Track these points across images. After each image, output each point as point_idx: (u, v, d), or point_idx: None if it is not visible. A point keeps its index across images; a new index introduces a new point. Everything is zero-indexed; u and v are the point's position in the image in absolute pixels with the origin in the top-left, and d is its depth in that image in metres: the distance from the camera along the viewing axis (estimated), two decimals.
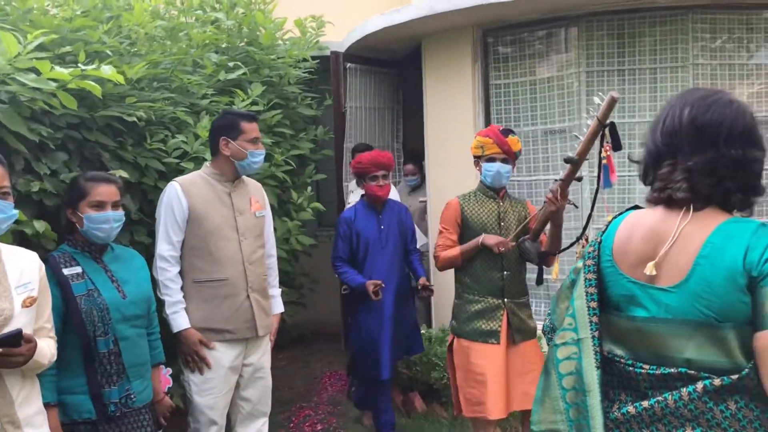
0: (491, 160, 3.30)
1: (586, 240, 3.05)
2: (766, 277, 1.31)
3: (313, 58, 5.33)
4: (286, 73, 4.80)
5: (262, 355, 3.10)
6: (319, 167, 5.48)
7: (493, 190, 3.38)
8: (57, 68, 2.43)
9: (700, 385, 1.38)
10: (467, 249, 3.30)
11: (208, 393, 2.91)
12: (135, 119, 3.09)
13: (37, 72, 2.44)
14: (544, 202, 3.03)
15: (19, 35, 2.51)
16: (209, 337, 2.91)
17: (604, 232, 1.61)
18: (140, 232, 3.30)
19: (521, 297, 3.35)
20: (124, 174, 2.88)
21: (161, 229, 2.91)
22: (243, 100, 4.14)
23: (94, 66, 2.50)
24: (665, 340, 1.44)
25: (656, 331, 1.45)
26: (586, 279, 1.58)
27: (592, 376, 1.51)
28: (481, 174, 3.39)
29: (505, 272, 3.28)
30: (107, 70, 2.45)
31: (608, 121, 2.67)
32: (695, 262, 1.40)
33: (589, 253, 1.61)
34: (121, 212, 2.49)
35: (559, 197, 2.91)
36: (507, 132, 3.35)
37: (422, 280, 3.99)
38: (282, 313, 3.33)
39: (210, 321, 2.92)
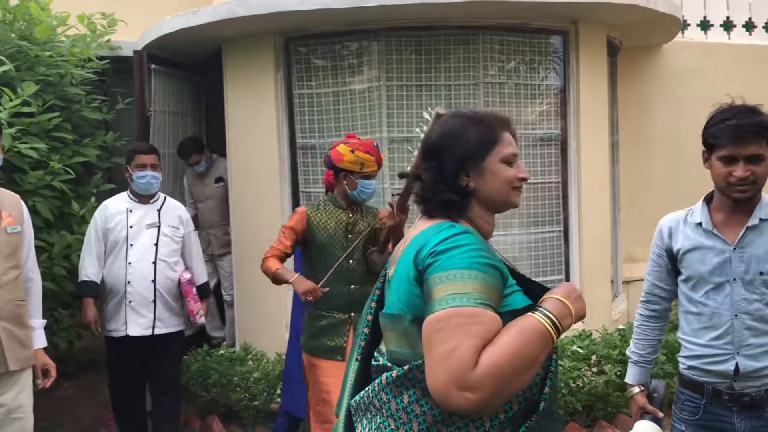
0: (368, 177, 3.23)
1: None
2: (426, 269, 1.39)
3: (105, 57, 4.91)
4: (68, 72, 4.35)
5: (19, 392, 2.66)
6: (110, 176, 5.05)
7: (346, 202, 3.31)
8: None
9: (384, 377, 1.46)
10: (279, 277, 3.21)
11: None
12: None
13: None
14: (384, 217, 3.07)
15: None
16: None
17: None
18: None
19: None
20: None
21: None
22: (11, 100, 3.68)
23: None
24: (385, 334, 1.56)
25: (383, 325, 1.56)
26: (379, 279, 1.72)
27: (351, 366, 1.66)
28: (351, 187, 3.26)
29: (352, 286, 3.21)
30: None
31: None
32: (398, 261, 1.53)
33: (389, 260, 1.72)
34: None
35: (397, 212, 2.94)
36: (378, 148, 3.31)
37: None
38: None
39: None
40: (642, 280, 2.52)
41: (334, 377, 3.08)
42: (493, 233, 1.61)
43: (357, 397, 1.55)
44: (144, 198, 3.82)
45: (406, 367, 1.42)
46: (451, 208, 1.53)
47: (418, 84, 4.58)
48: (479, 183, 1.54)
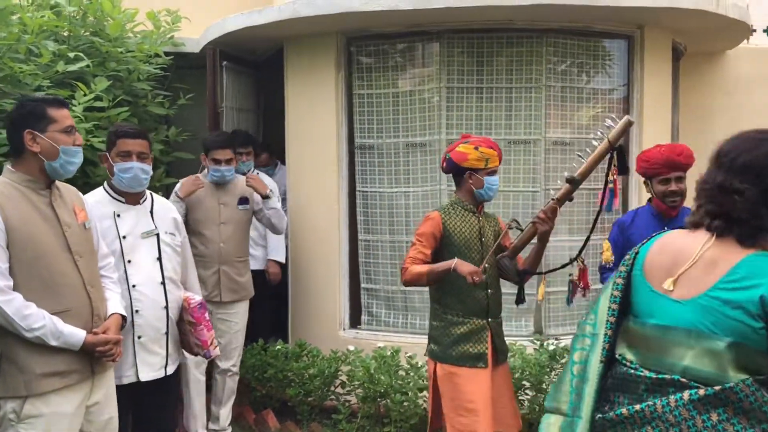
0: (493, 173, 3.15)
1: (581, 262, 3.09)
2: None
3: (168, 54, 5.01)
4: (136, 68, 4.45)
5: (107, 390, 2.59)
6: (171, 170, 5.14)
7: (474, 205, 3.18)
8: None
9: (686, 394, 1.48)
10: (435, 272, 3.00)
11: None
12: None
13: None
14: (533, 221, 3.01)
15: None
16: (52, 383, 2.33)
17: (643, 244, 1.74)
18: None
19: (499, 316, 3.19)
20: None
21: None
22: (85, 95, 3.78)
23: None
24: (669, 347, 1.56)
25: (663, 338, 1.57)
26: (615, 282, 1.71)
27: (595, 368, 1.66)
28: (477, 186, 3.12)
29: (489, 290, 3.10)
30: None
31: (617, 144, 2.78)
32: (715, 285, 1.51)
33: (625, 260, 1.73)
34: None
35: (551, 216, 2.94)
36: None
37: None
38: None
39: (53, 364, 2.34)
40: None
41: (478, 385, 3.00)
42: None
43: (626, 411, 1.55)
44: (131, 197, 2.98)
45: (717, 388, 1.45)
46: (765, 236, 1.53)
47: (478, 86, 4.56)
48: None
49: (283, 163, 5.44)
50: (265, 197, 4.11)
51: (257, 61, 5.66)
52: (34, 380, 2.31)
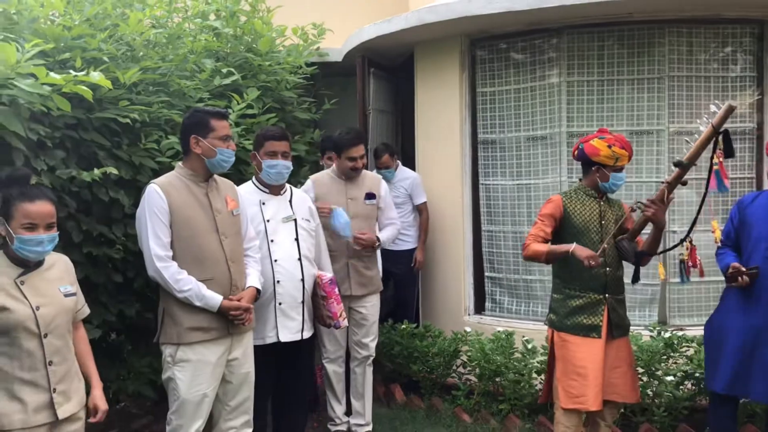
0: (620, 170, 3.38)
1: (690, 242, 3.25)
2: None
3: (313, 63, 5.59)
4: (283, 79, 5.05)
5: (245, 349, 3.16)
6: (317, 168, 5.73)
7: (596, 192, 3.43)
8: (52, 74, 2.70)
9: None
10: (555, 252, 3.29)
11: (197, 390, 2.93)
12: (129, 121, 3.36)
13: (36, 77, 2.71)
14: (645, 205, 3.21)
15: (19, 44, 2.79)
16: (196, 336, 2.93)
17: None
18: (134, 225, 3.57)
19: (620, 293, 3.42)
20: (114, 171, 3.15)
21: (150, 230, 2.90)
22: (238, 104, 4.40)
23: (84, 72, 2.76)
24: None
25: None
26: None
27: None
28: (603, 180, 3.36)
29: (608, 269, 3.36)
30: (96, 76, 2.71)
31: (722, 129, 2.97)
32: None
33: None
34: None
35: (665, 200, 3.13)
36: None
37: None
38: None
39: (197, 320, 2.93)
40: None
41: (589, 353, 3.24)
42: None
43: None
44: (275, 189, 3.57)
45: None
46: None
47: (599, 79, 4.65)
48: None
49: (404, 163, 5.77)
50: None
51: (395, 66, 6.11)
52: (184, 332, 2.94)
